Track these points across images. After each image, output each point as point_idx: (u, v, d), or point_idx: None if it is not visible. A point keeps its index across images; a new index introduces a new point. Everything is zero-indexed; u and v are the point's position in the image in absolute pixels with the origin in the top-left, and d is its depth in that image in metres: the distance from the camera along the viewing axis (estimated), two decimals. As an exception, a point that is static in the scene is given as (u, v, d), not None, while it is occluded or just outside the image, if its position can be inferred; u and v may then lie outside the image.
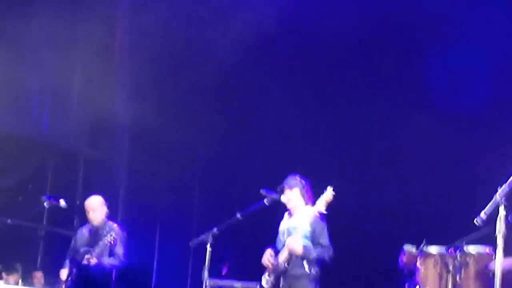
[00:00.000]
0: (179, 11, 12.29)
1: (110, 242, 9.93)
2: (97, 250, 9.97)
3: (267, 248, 9.03)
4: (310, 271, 8.75)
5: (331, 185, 8.70)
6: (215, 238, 8.83)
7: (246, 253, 11.78)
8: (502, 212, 6.50)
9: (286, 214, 9.14)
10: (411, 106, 11.78)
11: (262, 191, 8.97)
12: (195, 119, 13.17)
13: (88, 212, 10.40)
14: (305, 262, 8.74)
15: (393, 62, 12.05)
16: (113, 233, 9.98)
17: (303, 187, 9.00)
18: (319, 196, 8.73)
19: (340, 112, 12.37)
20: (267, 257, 8.94)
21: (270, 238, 9.18)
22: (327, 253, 8.82)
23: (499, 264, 6.58)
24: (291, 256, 8.73)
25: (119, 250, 10.15)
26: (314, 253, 8.75)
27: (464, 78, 11.25)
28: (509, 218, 6.54)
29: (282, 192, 8.98)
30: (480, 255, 8.60)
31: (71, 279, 9.99)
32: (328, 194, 8.66)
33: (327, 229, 8.86)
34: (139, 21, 12.79)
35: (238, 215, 8.98)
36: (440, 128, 11.49)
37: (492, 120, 11.20)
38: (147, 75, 12.94)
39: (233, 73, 12.89)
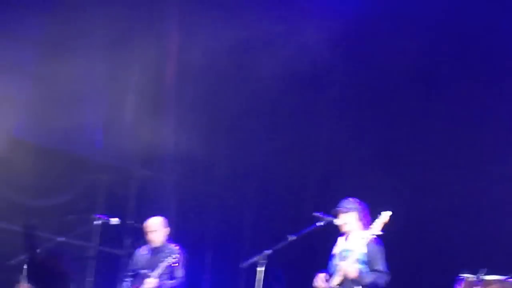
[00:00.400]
0: (228, 39, 12.31)
1: (171, 265, 9.81)
2: (157, 272, 9.85)
3: (319, 272, 8.88)
4: (363, 296, 8.57)
5: (386, 208, 8.53)
6: (267, 260, 8.68)
7: (298, 276, 11.63)
8: None
9: (340, 238, 8.97)
10: (470, 130, 11.60)
11: (316, 214, 8.82)
12: (246, 141, 13.11)
13: (148, 233, 10.29)
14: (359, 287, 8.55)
15: (452, 87, 11.90)
16: (175, 255, 9.86)
17: (361, 211, 8.82)
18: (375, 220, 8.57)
19: (395, 136, 12.23)
20: (319, 281, 8.76)
21: (322, 262, 9.02)
22: (383, 279, 8.65)
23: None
24: (345, 280, 8.55)
25: (179, 272, 10.06)
26: (368, 278, 8.58)
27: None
28: None
29: (336, 215, 8.80)
30: (542, 285, 8.37)
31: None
32: (385, 216, 8.47)
33: (385, 253, 8.67)
34: (188, 48, 12.83)
35: (291, 238, 8.84)
36: (496, 155, 11.28)
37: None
38: (198, 99, 12.96)
39: (283, 98, 12.86)
